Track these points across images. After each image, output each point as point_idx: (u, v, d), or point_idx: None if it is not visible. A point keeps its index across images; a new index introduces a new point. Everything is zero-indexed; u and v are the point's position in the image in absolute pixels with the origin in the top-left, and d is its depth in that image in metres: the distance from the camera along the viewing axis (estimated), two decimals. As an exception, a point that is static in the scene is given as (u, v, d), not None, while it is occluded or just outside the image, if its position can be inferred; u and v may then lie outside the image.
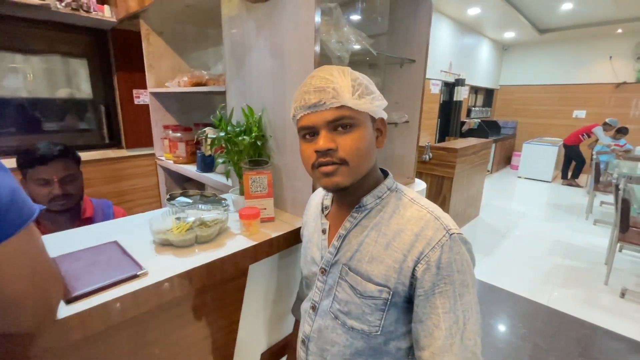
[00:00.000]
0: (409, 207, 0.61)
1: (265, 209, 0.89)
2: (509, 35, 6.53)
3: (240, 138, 0.92)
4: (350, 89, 0.56)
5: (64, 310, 0.51)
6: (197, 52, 1.91)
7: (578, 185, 5.84)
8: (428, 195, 3.64)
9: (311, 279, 0.71)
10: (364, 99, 0.57)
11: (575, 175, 5.93)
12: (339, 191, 0.61)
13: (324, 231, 0.68)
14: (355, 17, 1.12)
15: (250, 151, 0.94)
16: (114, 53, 2.19)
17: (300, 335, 0.72)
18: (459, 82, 5.80)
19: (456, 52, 5.73)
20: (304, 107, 0.57)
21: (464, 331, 0.56)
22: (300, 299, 0.88)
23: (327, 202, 0.71)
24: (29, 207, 0.39)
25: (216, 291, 0.75)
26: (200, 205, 0.93)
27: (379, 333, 0.60)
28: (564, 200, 5.01)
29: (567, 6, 4.85)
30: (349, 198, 0.64)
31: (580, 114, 6.93)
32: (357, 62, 1.14)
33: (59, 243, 0.74)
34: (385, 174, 0.67)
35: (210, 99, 2.04)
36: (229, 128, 0.94)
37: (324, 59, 0.88)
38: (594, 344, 1.96)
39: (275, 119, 0.96)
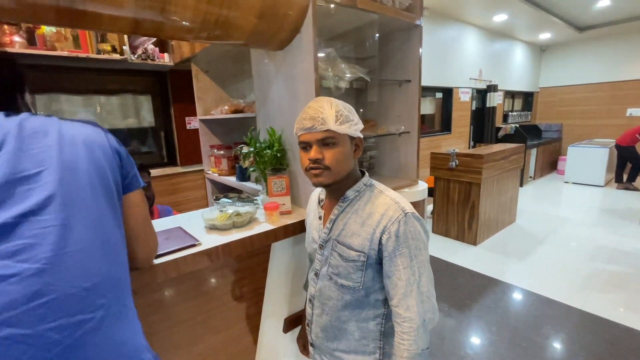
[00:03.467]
0: (378, 196, 0.85)
1: (284, 204, 1.17)
2: (545, 36, 6.33)
3: (265, 151, 1.22)
4: (334, 118, 0.80)
5: (153, 262, 0.82)
6: (235, 84, 2.31)
7: (635, 189, 5.37)
8: (457, 202, 3.67)
9: (313, 254, 0.95)
10: (343, 125, 0.81)
11: (632, 178, 5.46)
12: (324, 187, 0.86)
13: (320, 217, 0.92)
14: (350, 49, 1.39)
15: (273, 161, 1.24)
16: (171, 89, 2.69)
17: (308, 297, 0.96)
18: (491, 88, 5.74)
19: (486, 59, 5.71)
20: (302, 129, 0.80)
21: (419, 281, 0.78)
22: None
23: (323, 197, 0.95)
24: (140, 180, 0.73)
25: (247, 262, 1.03)
26: (237, 203, 1.23)
27: (361, 287, 0.83)
28: (619, 205, 4.64)
29: (603, 3, 4.67)
30: (337, 193, 0.88)
31: (635, 112, 6.38)
32: (359, 86, 1.40)
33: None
34: (363, 173, 0.91)
35: (245, 122, 2.41)
36: (257, 144, 1.25)
37: (326, 91, 1.15)
38: (628, 346, 1.91)
39: (290, 136, 1.25)
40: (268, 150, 1.20)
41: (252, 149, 1.23)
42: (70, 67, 2.24)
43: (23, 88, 0.62)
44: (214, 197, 1.26)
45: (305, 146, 0.83)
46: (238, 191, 1.80)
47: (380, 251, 0.79)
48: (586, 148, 5.81)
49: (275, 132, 1.26)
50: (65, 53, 1.86)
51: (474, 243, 3.47)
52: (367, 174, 0.90)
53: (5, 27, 1.71)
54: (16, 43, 1.75)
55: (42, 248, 0.47)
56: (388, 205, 0.81)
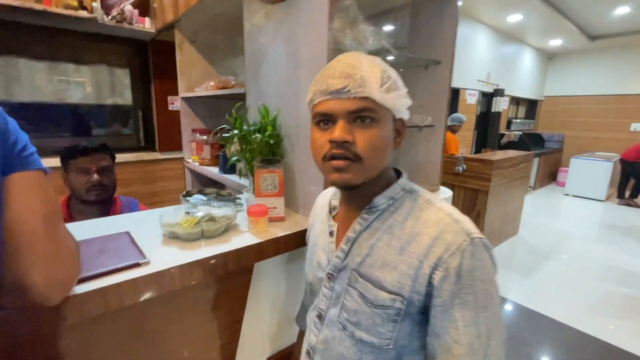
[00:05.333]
0: (425, 209, 0.55)
1: (275, 207, 0.88)
2: (555, 42, 6.14)
3: (254, 136, 0.92)
4: (379, 80, 0.51)
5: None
6: (226, 60, 1.99)
7: (637, 206, 5.23)
8: (461, 210, 3.43)
9: (317, 285, 0.65)
10: (391, 93, 0.52)
11: (634, 194, 5.33)
12: (348, 189, 0.57)
13: (331, 233, 0.63)
14: (376, 18, 1.10)
15: (264, 150, 0.94)
16: (153, 62, 2.34)
17: (305, 346, 0.66)
18: (498, 92, 5.53)
19: (495, 61, 5.48)
20: (325, 92, 0.52)
21: (487, 347, 0.48)
22: (305, 308, 0.82)
23: (335, 203, 0.66)
24: (41, 162, 0.45)
25: (219, 286, 0.74)
26: (214, 203, 0.93)
27: (390, 347, 0.54)
28: (621, 221, 4.49)
29: (622, 10, 4.47)
30: (360, 198, 0.59)
31: (640, 127, 6.28)
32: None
33: (81, 230, 0.77)
34: (398, 174, 0.63)
35: (235, 102, 2.11)
36: (244, 127, 0.95)
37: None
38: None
39: (289, 118, 0.95)
40: (258, 135, 0.90)
41: (236, 132, 0.93)
42: (31, 25, 1.89)
43: None
44: (184, 193, 0.96)
45: (325, 120, 0.53)
46: (220, 185, 1.49)
47: (428, 295, 0.51)
48: (590, 161, 5.66)
49: (269, 112, 0.97)
50: (17, 3, 1.51)
51: (477, 254, 3.24)
52: (404, 174, 0.62)
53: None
54: (-48, -16, 1.40)
55: None
56: (443, 223, 0.52)
